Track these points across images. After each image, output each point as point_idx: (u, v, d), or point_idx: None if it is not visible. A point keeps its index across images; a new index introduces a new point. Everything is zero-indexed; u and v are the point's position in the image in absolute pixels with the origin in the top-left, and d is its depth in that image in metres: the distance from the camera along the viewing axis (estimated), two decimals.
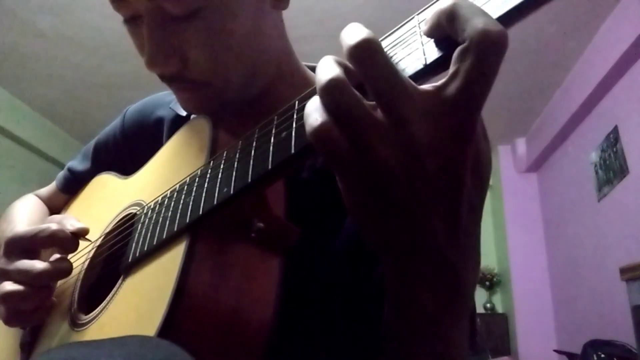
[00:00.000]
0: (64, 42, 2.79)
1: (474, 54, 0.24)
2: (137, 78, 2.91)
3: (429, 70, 0.27)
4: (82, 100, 3.45)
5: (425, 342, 0.30)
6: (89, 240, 0.55)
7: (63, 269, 0.50)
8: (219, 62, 0.47)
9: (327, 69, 0.27)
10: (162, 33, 0.45)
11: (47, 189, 0.78)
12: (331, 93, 0.26)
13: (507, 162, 4.13)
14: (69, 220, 0.54)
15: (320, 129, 0.26)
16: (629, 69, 2.56)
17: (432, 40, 0.28)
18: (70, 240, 0.52)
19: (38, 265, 0.49)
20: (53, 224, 0.52)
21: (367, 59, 0.25)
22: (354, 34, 0.26)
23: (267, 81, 0.52)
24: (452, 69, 0.25)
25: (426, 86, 0.26)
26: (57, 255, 0.53)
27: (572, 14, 2.52)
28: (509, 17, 0.26)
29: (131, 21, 0.48)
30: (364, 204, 0.28)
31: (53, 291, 0.53)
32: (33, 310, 0.51)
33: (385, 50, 0.26)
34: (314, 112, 0.27)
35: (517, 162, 4.04)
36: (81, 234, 0.53)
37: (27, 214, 0.69)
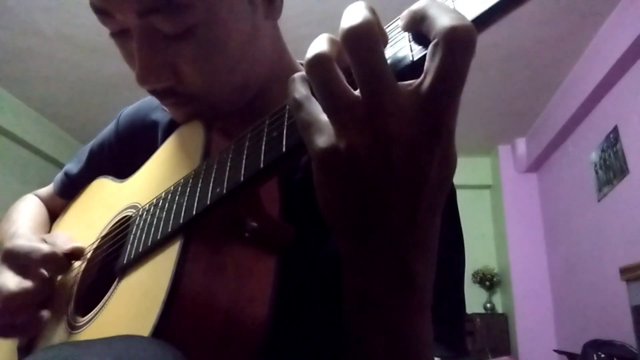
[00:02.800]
0: (64, 42, 2.80)
1: (443, 51, 0.25)
2: None
3: (416, 67, 0.28)
4: (82, 100, 3.46)
5: (375, 332, 0.31)
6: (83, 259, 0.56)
7: (32, 294, 0.50)
8: (213, 76, 0.47)
9: (316, 45, 0.28)
10: (154, 50, 0.44)
11: (46, 190, 0.78)
12: (314, 67, 0.27)
13: (507, 162, 4.13)
14: (68, 241, 0.55)
15: (294, 93, 0.30)
16: (629, 69, 2.56)
17: (412, 35, 0.29)
18: (61, 262, 0.53)
19: (10, 286, 0.50)
20: (46, 245, 0.53)
21: (360, 44, 0.26)
22: (352, 15, 0.26)
23: (261, 85, 0.52)
24: (425, 65, 0.26)
25: (405, 83, 0.27)
26: (27, 282, 0.51)
27: (572, 14, 2.52)
28: (489, 16, 0.26)
29: (119, 35, 0.47)
30: (328, 187, 0.29)
31: (34, 308, 0.52)
32: (16, 325, 0.51)
33: (379, 37, 0.26)
34: (296, 81, 0.30)
35: (517, 162, 4.04)
36: (75, 254, 0.54)
37: (28, 216, 0.69)
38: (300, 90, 0.30)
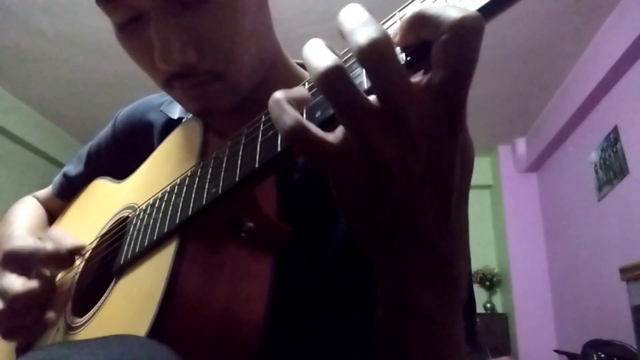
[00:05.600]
0: (64, 42, 2.80)
1: (456, 42, 0.25)
2: (137, 78, 2.91)
3: (408, 67, 0.28)
4: (82, 100, 3.45)
5: (422, 338, 0.30)
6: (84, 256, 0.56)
7: (38, 294, 0.50)
8: (233, 47, 0.46)
9: (322, 58, 0.26)
10: (175, 23, 0.43)
11: (44, 192, 0.78)
12: (332, 81, 0.25)
13: (507, 162, 4.12)
14: (67, 238, 0.55)
15: (293, 130, 0.26)
16: (629, 69, 2.56)
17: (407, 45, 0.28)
18: (66, 259, 0.53)
19: (16, 287, 0.50)
20: (49, 242, 0.53)
21: (375, 57, 0.25)
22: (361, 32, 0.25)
23: (262, 77, 0.51)
24: (435, 59, 0.26)
25: (416, 78, 0.27)
26: (32, 282, 0.51)
27: (572, 14, 2.51)
28: (486, 11, 0.26)
29: (128, 24, 0.45)
30: (356, 202, 0.28)
31: (39, 309, 0.52)
32: (23, 326, 0.51)
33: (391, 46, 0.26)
34: (283, 115, 0.27)
35: (517, 162, 4.04)
36: (77, 252, 0.55)
37: (26, 218, 0.70)
38: (293, 115, 0.27)
